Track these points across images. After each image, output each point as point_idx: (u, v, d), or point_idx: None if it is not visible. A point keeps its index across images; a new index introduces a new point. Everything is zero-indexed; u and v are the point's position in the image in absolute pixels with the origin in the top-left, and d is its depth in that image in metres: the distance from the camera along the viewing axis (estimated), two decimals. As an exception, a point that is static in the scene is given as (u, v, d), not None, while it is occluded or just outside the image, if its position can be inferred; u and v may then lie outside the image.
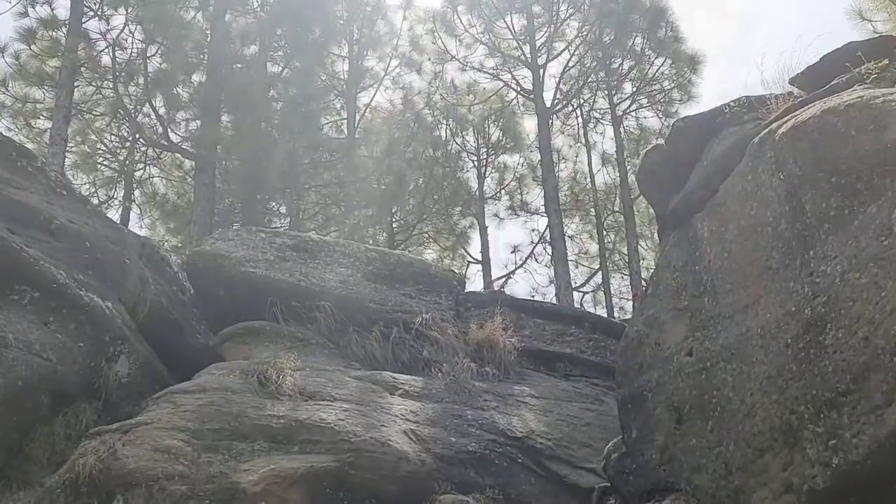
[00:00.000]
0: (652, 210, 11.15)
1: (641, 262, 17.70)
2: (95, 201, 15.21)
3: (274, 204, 17.31)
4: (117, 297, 8.15)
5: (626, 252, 18.44)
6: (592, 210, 19.48)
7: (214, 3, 16.54)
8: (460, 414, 7.64)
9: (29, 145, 14.19)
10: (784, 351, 4.98)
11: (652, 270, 8.36)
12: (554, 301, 16.32)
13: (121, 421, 6.69)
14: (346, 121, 18.41)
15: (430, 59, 19.15)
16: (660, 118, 18.20)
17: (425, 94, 19.40)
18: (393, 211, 18.38)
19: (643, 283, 15.51)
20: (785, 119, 5.56)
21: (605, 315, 16.98)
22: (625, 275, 19.56)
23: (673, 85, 17.87)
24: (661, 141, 10.37)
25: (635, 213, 17.73)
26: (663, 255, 6.83)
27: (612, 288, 19.49)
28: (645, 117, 18.51)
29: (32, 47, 15.47)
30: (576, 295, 18.23)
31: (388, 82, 19.15)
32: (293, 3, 17.00)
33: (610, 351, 9.53)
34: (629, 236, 17.44)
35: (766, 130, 5.65)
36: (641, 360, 6.36)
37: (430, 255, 21.05)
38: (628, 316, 14.84)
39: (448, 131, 19.63)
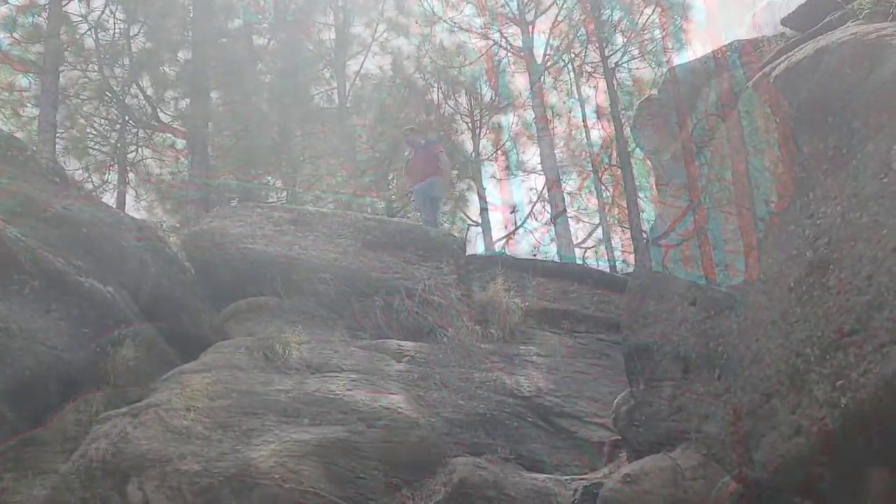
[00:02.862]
0: (649, 162, 11.06)
1: (641, 214, 17.63)
2: (89, 186, 15.14)
3: (269, 178, 17.22)
4: (118, 282, 8.14)
5: (625, 205, 18.36)
6: (589, 165, 19.36)
7: (193, -23, 16.29)
8: (468, 377, 7.66)
9: (18, 134, 14.10)
10: (787, 295, 4.95)
11: (652, 222, 8.33)
12: (556, 259, 16.30)
13: (130, 404, 6.73)
14: (336, 90, 18.24)
15: (417, 22, 18.90)
16: (652, 68, 17.98)
17: (414, 58, 19.17)
18: (389, 178, 18.29)
19: (644, 235, 15.47)
20: (778, 61, 5.47)
21: (608, 270, 16.98)
22: (625, 228, 19.51)
23: (664, 33, 17.61)
24: (654, 91, 10.24)
25: (632, 165, 17.61)
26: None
27: (613, 242, 19.46)
28: (637, 68, 18.28)
29: (14, 34, 15.25)
30: (577, 251, 18.22)
31: (376, 48, 18.95)
32: (275, -28, 16.75)
33: (614, 305, 9.53)
34: (627, 189, 17.33)
35: (760, 74, 5.57)
36: (645, 312, 6.35)
37: (429, 219, 20.95)
38: (631, 269, 14.84)
39: (440, 94, 19.39)
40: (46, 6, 15.04)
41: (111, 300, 7.82)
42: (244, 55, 15.89)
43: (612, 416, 6.96)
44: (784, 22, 6.30)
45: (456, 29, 18.80)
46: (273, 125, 15.40)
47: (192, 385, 6.68)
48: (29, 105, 16.06)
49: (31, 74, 15.52)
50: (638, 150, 13.16)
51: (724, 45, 6.44)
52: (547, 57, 17.88)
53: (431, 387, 7.35)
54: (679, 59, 16.69)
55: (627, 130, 15.53)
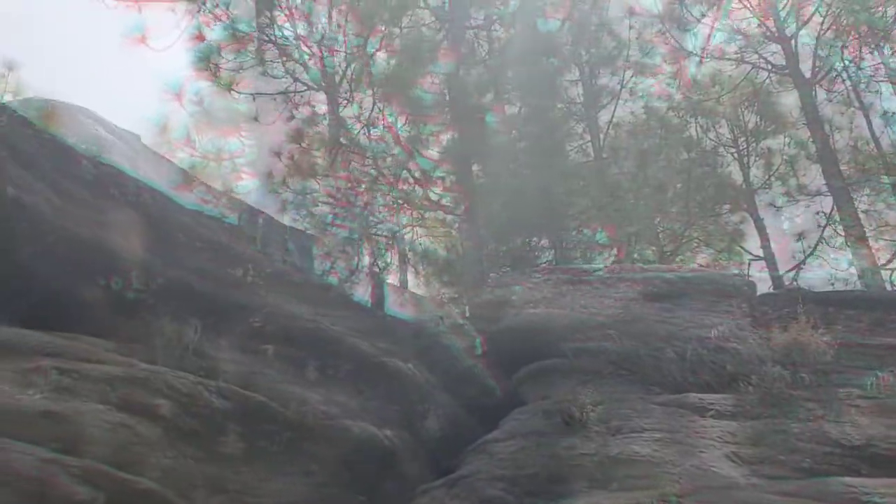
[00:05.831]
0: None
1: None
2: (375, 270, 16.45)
3: (535, 239, 17.53)
4: (417, 359, 8.64)
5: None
6: (884, 177, 17.26)
7: (446, 62, 17.37)
8: (783, 428, 6.99)
9: (311, 231, 15.77)
10: None
11: None
12: (860, 286, 14.59)
13: (442, 475, 6.99)
14: (590, 143, 18.28)
15: (665, 61, 18.47)
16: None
17: (666, 96, 18.70)
18: (656, 223, 17.76)
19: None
20: None
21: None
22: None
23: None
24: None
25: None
26: None
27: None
28: (926, 64, 16.17)
29: (301, 144, 17.26)
30: (884, 274, 16.18)
31: (625, 95, 18.76)
32: (518, 43, 17.38)
33: (947, 333, 8.27)
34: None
35: None
36: None
37: (703, 259, 19.98)
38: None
39: (698, 129, 18.66)
40: (325, 115, 16.89)
41: (412, 376, 8.29)
42: (498, 127, 16.52)
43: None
44: None
45: (707, 59, 18.05)
46: (534, 188, 15.70)
47: (498, 454, 6.80)
48: (319, 203, 17.95)
49: (318, 178, 17.39)
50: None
51: None
52: (816, 69, 16.46)
53: (744, 442, 6.80)
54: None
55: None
